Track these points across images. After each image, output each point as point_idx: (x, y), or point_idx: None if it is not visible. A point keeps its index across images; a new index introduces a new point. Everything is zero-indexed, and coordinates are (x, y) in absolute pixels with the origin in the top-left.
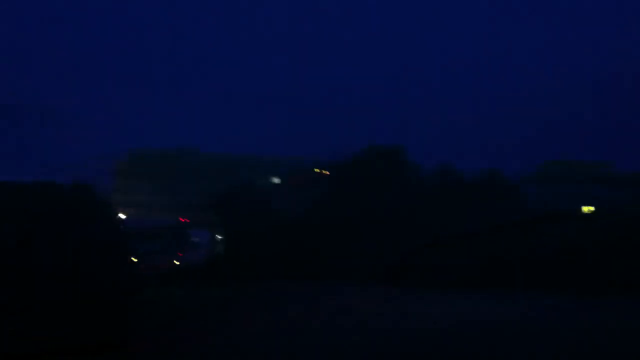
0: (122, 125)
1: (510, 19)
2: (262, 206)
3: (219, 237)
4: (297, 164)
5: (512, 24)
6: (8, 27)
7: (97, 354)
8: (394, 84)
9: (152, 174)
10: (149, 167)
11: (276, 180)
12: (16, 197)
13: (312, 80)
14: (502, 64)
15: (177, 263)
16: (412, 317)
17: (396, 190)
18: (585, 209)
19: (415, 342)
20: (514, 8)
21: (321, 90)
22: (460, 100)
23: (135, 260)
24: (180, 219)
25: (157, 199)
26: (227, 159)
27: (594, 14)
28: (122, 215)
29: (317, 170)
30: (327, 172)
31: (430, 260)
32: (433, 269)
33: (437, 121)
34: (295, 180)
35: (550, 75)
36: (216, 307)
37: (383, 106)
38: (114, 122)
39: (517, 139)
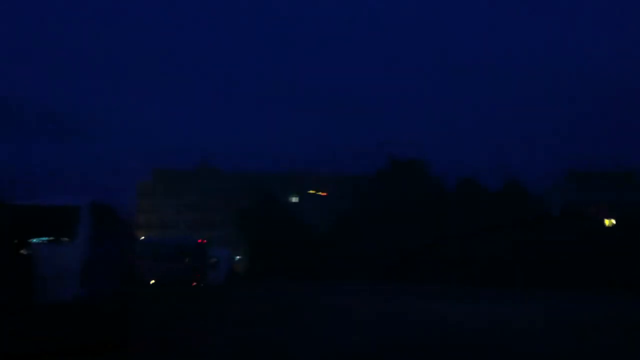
0: (144, 145)
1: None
2: (283, 222)
3: (238, 256)
4: (314, 179)
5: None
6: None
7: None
8: (406, 87)
9: (173, 193)
10: (171, 186)
11: (295, 197)
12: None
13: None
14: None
15: (196, 284)
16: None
17: (415, 203)
18: (607, 222)
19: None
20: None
21: (341, 97)
22: (481, 103)
23: (153, 281)
24: (199, 240)
25: (179, 217)
26: (246, 177)
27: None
28: (140, 236)
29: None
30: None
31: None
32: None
33: (454, 126)
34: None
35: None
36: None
37: (401, 111)
38: (137, 142)
39: (538, 145)
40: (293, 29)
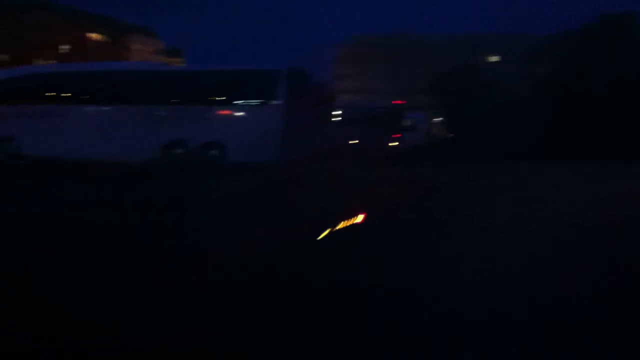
0: (339, 13)
1: None
2: (481, 86)
3: (436, 119)
4: (514, 41)
5: None
6: None
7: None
8: None
9: (370, 59)
10: (367, 52)
11: (495, 58)
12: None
13: None
14: None
15: (393, 145)
16: None
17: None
18: None
19: None
20: None
21: None
22: None
23: (353, 142)
24: (395, 102)
25: (375, 83)
26: (443, 40)
27: None
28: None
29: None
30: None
31: None
32: None
33: None
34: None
35: None
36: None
37: None
38: (332, 12)
39: None
40: None
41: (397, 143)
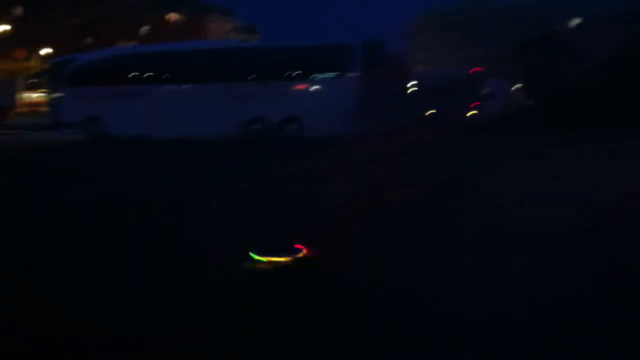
0: None
1: None
2: (563, 51)
3: (516, 86)
4: (598, 3)
5: None
6: None
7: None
8: None
9: (446, 27)
10: (443, 21)
11: (576, 21)
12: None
13: None
14: None
15: (472, 114)
16: None
17: None
18: None
19: None
20: None
21: None
22: None
23: (431, 112)
24: (473, 70)
25: (452, 52)
26: (521, 6)
27: None
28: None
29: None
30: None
31: None
32: None
33: None
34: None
35: None
36: None
37: None
38: None
39: None
40: None
41: (476, 111)
